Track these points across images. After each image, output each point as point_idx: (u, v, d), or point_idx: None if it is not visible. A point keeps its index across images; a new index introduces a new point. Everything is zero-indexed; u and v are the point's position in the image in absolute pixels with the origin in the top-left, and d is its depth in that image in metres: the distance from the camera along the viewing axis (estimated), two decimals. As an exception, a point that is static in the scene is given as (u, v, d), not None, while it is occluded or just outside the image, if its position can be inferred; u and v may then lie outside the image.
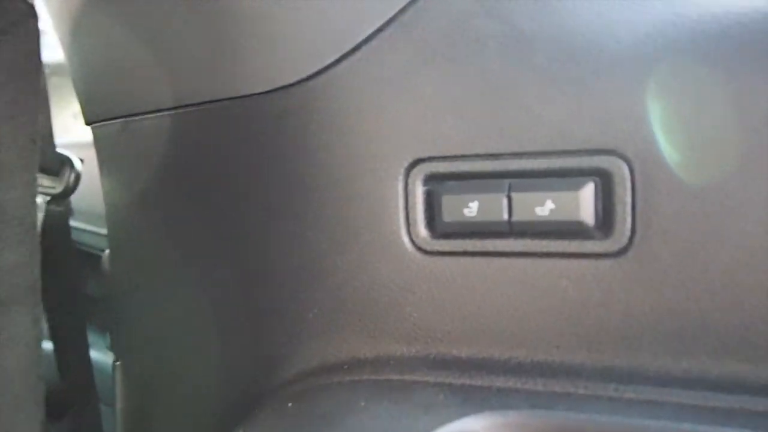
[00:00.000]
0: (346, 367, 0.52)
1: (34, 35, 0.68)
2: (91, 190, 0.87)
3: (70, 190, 0.92)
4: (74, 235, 1.00)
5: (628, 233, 0.43)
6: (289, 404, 0.51)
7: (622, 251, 0.43)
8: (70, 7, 0.65)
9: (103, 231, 0.91)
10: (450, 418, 0.43)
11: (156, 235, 0.67)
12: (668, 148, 0.42)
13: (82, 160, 0.91)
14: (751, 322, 0.41)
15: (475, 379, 0.47)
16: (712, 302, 0.42)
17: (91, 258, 1.11)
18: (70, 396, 1.03)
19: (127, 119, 0.64)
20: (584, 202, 0.44)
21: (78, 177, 0.93)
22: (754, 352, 0.41)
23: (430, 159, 0.47)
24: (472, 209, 0.46)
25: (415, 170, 0.48)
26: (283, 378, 0.54)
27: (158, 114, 0.60)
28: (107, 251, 0.78)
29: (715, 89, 0.41)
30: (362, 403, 0.47)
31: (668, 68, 0.42)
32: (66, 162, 0.90)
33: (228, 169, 0.56)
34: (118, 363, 0.82)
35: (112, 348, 0.86)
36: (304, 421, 0.49)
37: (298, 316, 0.54)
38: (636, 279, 0.43)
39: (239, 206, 0.55)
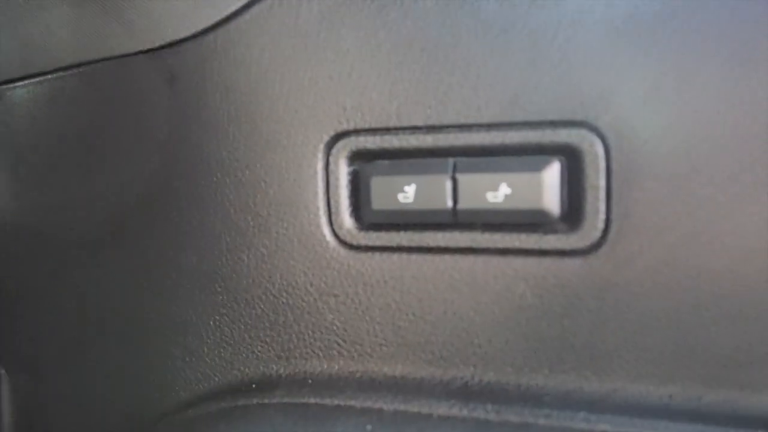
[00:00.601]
0: (254, 387, 0.43)
1: None
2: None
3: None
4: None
5: (601, 226, 0.35)
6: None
7: (592, 248, 0.35)
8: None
9: None
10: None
11: (36, 223, 0.56)
12: (653, 121, 0.33)
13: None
14: (749, 339, 0.33)
15: (411, 405, 0.38)
16: (703, 313, 0.34)
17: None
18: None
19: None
20: (547, 187, 0.35)
21: None
22: (750, 376, 0.33)
23: (356, 132, 0.38)
24: (408, 194, 0.37)
25: (338, 146, 0.39)
26: (180, 401, 0.45)
27: (34, 80, 0.49)
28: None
29: (709, 46, 0.32)
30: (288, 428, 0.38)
31: (655, 16, 0.33)
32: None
33: (113, 142, 0.46)
34: (2, 372, 0.71)
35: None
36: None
37: (196, 326, 0.44)
38: (610, 283, 0.35)
39: (125, 190, 0.45)
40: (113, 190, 0.46)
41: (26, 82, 0.50)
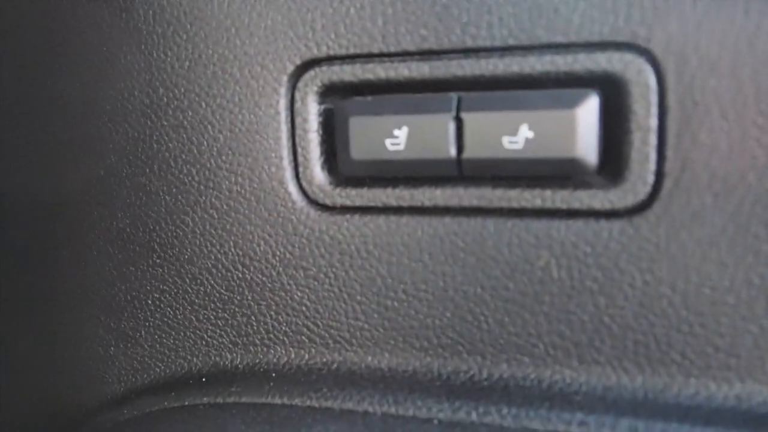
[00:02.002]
0: (204, 381, 0.34)
1: None
2: None
3: None
4: None
5: (650, 179, 0.27)
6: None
7: (639, 208, 0.27)
8: None
9: None
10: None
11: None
12: (721, 42, 0.25)
13: None
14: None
15: (403, 406, 0.30)
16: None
17: None
18: None
19: None
20: (582, 128, 0.27)
21: None
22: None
23: (329, 60, 0.30)
24: (398, 140, 0.29)
25: (306, 78, 0.30)
26: (113, 396, 0.37)
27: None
28: None
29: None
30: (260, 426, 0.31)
31: None
32: None
33: (12, 76, 0.37)
34: None
35: None
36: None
37: (130, 305, 0.36)
38: (662, 253, 0.27)
39: (27, 132, 0.36)
40: (18, 135, 0.37)
41: None
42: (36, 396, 0.41)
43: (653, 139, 0.27)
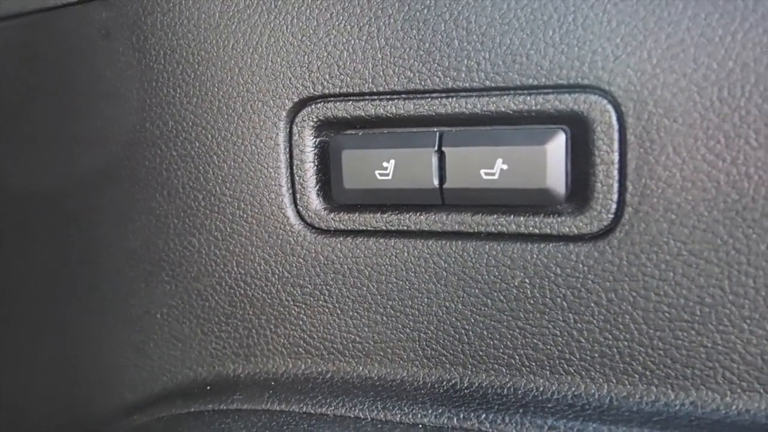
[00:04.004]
0: (209, 389, 0.37)
1: None
2: None
3: None
4: None
5: (612, 207, 0.30)
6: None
7: (603, 233, 0.31)
8: None
9: None
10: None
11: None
12: (676, 84, 0.28)
13: None
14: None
15: (392, 412, 0.33)
16: (739, 312, 0.29)
17: None
18: None
19: None
20: (551, 162, 0.30)
21: None
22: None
23: (324, 98, 0.33)
24: (386, 171, 0.32)
25: (303, 114, 0.34)
26: (125, 404, 0.40)
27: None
28: None
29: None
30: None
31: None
32: None
33: (36, 109, 0.39)
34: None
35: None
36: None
37: (141, 319, 0.38)
38: (623, 273, 0.30)
39: (51, 161, 0.39)
40: (42, 164, 0.40)
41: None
42: (54, 405, 0.44)
43: (615, 172, 0.30)
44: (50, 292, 0.42)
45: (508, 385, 0.33)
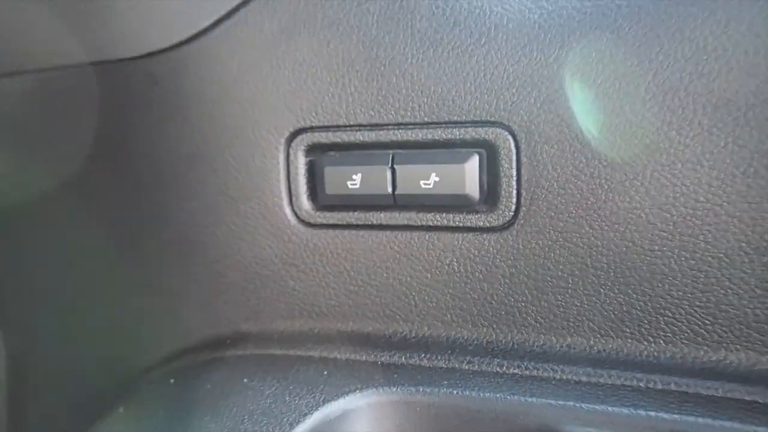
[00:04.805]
0: (228, 341, 0.50)
1: None
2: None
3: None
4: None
5: (512, 207, 0.42)
6: (171, 381, 0.49)
7: (506, 225, 0.43)
8: None
9: None
10: (334, 396, 0.43)
11: (29, 200, 0.63)
12: (555, 121, 0.41)
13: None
14: (634, 301, 0.41)
15: (359, 354, 0.46)
16: (597, 279, 0.42)
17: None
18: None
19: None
20: (469, 175, 0.43)
21: None
22: (636, 329, 0.42)
23: (312, 129, 0.45)
24: (355, 181, 0.45)
25: (297, 140, 0.46)
26: (163, 356, 0.52)
27: (25, 75, 0.55)
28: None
29: (607, 63, 0.40)
30: (245, 380, 0.46)
31: (560, 34, 0.40)
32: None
33: (99, 135, 0.52)
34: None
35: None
36: (185, 399, 0.47)
37: (176, 291, 0.51)
38: (520, 254, 0.43)
39: (110, 174, 0.52)
40: (100, 177, 0.53)
41: (19, 77, 0.56)
42: (106, 356, 0.57)
43: (514, 183, 0.42)
44: (106, 268, 0.55)
45: (442, 334, 0.46)
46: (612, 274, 0.41)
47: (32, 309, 0.67)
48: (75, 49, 0.51)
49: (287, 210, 0.47)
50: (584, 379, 0.42)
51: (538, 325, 0.43)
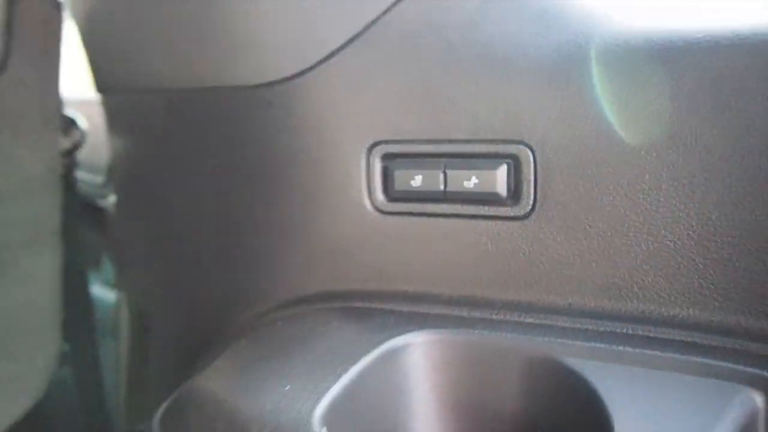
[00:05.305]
0: (317, 298, 0.67)
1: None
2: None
3: (76, 147, 1.07)
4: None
5: (530, 202, 0.57)
6: (273, 325, 0.67)
7: (526, 215, 0.58)
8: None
9: (97, 180, 1.05)
10: (398, 334, 0.59)
11: (157, 190, 0.82)
12: (563, 139, 0.56)
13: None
14: (617, 273, 0.56)
15: (417, 308, 0.62)
16: (593, 256, 0.57)
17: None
18: (71, 326, 1.17)
19: (136, 93, 0.77)
20: (500, 179, 0.58)
21: (84, 136, 1.07)
22: (618, 291, 0.57)
23: (386, 142, 0.61)
24: (417, 181, 0.61)
25: (375, 150, 0.62)
26: (261, 309, 0.70)
27: (162, 92, 0.73)
28: (110, 200, 0.93)
29: (600, 93, 0.55)
30: (333, 323, 0.63)
31: (564, 74, 0.56)
32: (72, 122, 1.04)
33: (220, 145, 0.70)
34: (121, 294, 0.97)
35: (117, 283, 1.00)
36: (284, 340, 0.64)
37: (279, 260, 0.69)
38: (536, 237, 0.58)
39: (228, 174, 0.70)
40: (220, 175, 0.71)
41: (157, 92, 0.75)
42: (223, 307, 0.75)
43: (531, 185, 0.58)
44: (220, 240, 0.73)
45: (478, 296, 0.61)
46: (604, 252, 0.56)
47: (155, 272, 0.85)
48: (206, 74, 0.69)
49: (366, 201, 0.63)
50: (580, 326, 0.57)
51: (549, 287, 0.59)
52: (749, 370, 0.48)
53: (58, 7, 0.86)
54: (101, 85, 0.85)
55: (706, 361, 0.50)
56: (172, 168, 0.78)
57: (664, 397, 0.48)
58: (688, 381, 0.49)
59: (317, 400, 0.50)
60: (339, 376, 0.52)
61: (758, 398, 0.47)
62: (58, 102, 0.90)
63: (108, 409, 1.15)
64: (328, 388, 0.51)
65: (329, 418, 0.49)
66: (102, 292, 1.22)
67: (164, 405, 0.60)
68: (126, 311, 1.00)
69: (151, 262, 0.85)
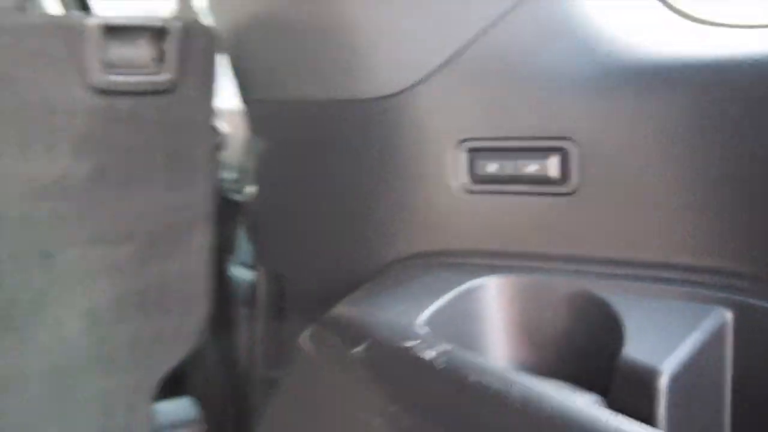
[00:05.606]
0: (419, 256, 0.91)
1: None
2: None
3: (219, 149, 1.34)
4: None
5: (576, 183, 0.79)
6: (389, 274, 0.90)
7: (572, 192, 0.78)
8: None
9: (232, 176, 1.33)
10: (476, 277, 0.81)
11: (293, 181, 1.07)
12: (601, 135, 0.78)
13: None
14: (639, 230, 0.77)
15: (491, 261, 0.84)
16: (621, 220, 0.78)
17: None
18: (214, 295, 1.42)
19: (274, 104, 1.02)
20: (553, 165, 0.79)
21: (225, 139, 1.35)
22: (639, 244, 0.78)
23: (471, 139, 0.83)
24: (493, 167, 0.83)
25: (462, 145, 0.84)
26: (381, 266, 0.94)
27: (295, 103, 0.98)
28: (250, 192, 1.19)
29: (627, 106, 0.76)
30: (432, 272, 0.85)
31: (601, 89, 0.78)
32: (215, 128, 1.31)
33: (343, 144, 0.94)
34: (261, 269, 1.23)
35: (256, 259, 1.26)
36: (397, 281, 0.86)
37: (391, 229, 0.92)
38: (580, 208, 0.79)
39: (351, 167, 0.94)
40: (349, 166, 0.95)
41: (296, 102, 1.00)
42: (329, 271, 0.99)
43: (576, 169, 0.79)
44: (340, 214, 0.97)
45: (537, 252, 0.84)
46: (633, 223, 0.77)
47: (293, 244, 1.10)
48: (339, 88, 0.94)
49: (454, 183, 0.85)
50: (616, 272, 0.77)
51: (588, 244, 0.80)
52: (720, 294, 0.69)
53: (214, 40, 1.13)
54: (246, 98, 1.12)
55: (693, 290, 0.71)
56: (305, 163, 1.03)
57: (664, 314, 0.69)
58: (680, 304, 0.70)
59: (421, 312, 0.73)
60: (435, 300, 0.75)
61: (727, 314, 0.68)
62: (212, 112, 1.17)
63: (243, 362, 1.41)
64: (428, 306, 0.74)
65: (430, 324, 0.72)
66: (238, 271, 1.48)
67: (308, 329, 0.84)
68: (263, 281, 1.26)
69: (289, 237, 1.10)
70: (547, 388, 0.56)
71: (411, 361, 0.65)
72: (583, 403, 0.56)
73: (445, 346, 0.63)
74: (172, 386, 1.28)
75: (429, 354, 0.64)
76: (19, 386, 1.05)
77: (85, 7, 2.26)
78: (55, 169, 1.01)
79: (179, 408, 1.40)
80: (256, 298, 1.32)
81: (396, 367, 0.67)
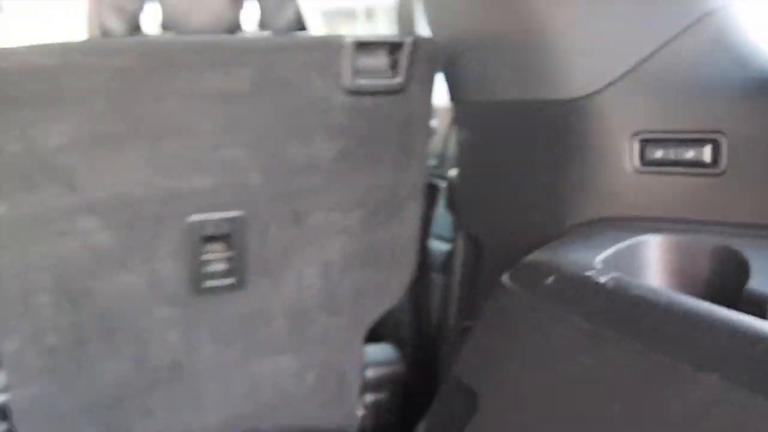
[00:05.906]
0: (595, 222, 1.16)
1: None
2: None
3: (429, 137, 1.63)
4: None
5: (725, 165, 1.02)
6: (572, 234, 1.16)
7: (722, 173, 1.01)
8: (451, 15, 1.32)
9: (432, 163, 1.62)
10: (641, 235, 1.06)
11: (492, 164, 1.35)
12: (746, 129, 1.01)
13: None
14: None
15: (654, 225, 1.09)
16: (756, 194, 1.00)
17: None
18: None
19: (483, 102, 1.31)
20: (706, 152, 1.02)
21: (433, 131, 1.67)
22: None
23: (642, 132, 1.08)
24: (658, 154, 1.07)
25: (635, 137, 1.08)
26: (568, 225, 1.20)
27: (496, 103, 1.26)
28: (452, 174, 1.48)
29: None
30: (607, 233, 1.10)
31: (746, 90, 1.01)
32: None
33: (532, 135, 1.21)
34: (458, 238, 1.52)
35: (456, 227, 1.55)
36: (579, 236, 1.12)
37: (574, 201, 1.18)
38: (727, 186, 1.01)
39: (538, 154, 1.21)
40: (534, 153, 1.22)
41: (496, 103, 1.28)
42: (520, 236, 1.25)
43: (726, 156, 1.03)
44: (531, 188, 1.24)
45: (682, 217, 1.07)
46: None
47: (492, 212, 1.38)
48: (535, 89, 1.21)
49: (627, 165, 1.10)
50: (755, 233, 1.00)
51: (733, 211, 1.01)
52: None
53: (436, 51, 1.43)
54: (453, 97, 1.41)
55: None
56: (503, 150, 1.31)
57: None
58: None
59: (596, 256, 0.98)
60: (608, 249, 1.01)
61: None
62: (432, 110, 1.47)
63: (437, 315, 1.71)
64: (601, 252, 0.99)
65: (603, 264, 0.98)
66: (434, 243, 1.78)
67: (507, 272, 1.11)
68: (460, 247, 1.55)
69: (486, 207, 1.38)
70: (704, 303, 0.67)
71: (590, 286, 0.91)
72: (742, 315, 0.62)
73: (614, 273, 0.89)
74: (370, 334, 1.48)
75: (603, 279, 0.89)
76: (268, 321, 1.31)
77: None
78: (310, 151, 1.33)
79: (382, 350, 1.71)
80: (451, 264, 1.60)
81: (578, 291, 0.93)
